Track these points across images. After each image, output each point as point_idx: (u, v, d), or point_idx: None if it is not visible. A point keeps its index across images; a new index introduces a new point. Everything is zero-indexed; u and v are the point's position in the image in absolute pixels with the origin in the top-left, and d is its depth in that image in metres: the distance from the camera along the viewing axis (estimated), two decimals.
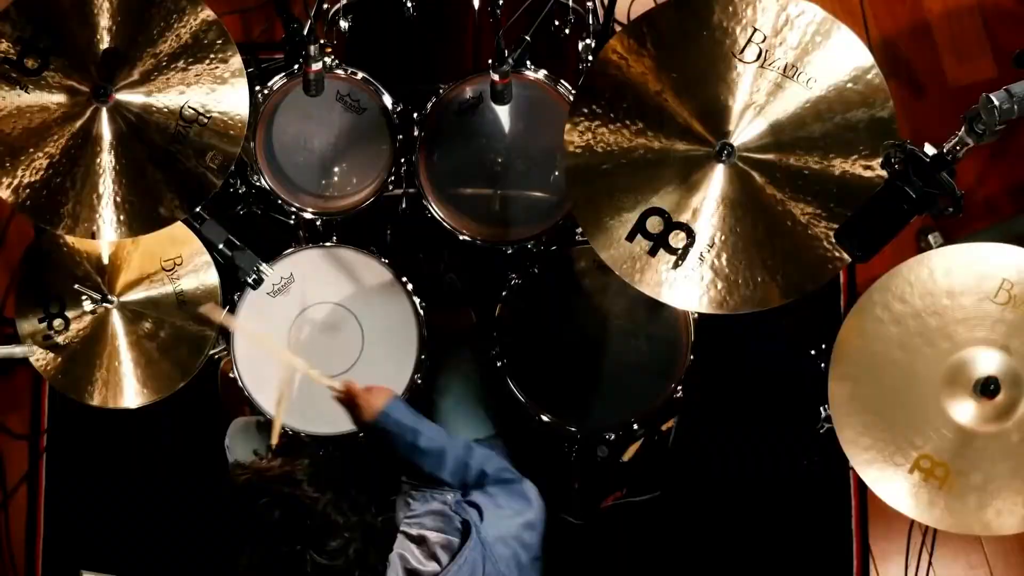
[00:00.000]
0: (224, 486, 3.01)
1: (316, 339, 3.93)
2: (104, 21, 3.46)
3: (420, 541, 3.01)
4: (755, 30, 3.22)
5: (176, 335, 3.86)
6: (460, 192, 4.01)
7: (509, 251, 4.01)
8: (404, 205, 4.21)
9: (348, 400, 3.48)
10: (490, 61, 3.51)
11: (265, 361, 3.89)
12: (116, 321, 3.88)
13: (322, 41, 3.60)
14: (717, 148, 3.22)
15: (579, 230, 3.99)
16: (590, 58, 4.09)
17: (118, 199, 3.45)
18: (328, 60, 3.82)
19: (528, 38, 3.55)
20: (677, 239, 3.23)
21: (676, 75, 3.25)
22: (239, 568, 2.79)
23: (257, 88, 3.90)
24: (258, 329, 3.91)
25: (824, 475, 4.54)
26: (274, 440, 3.61)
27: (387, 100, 3.96)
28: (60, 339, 3.92)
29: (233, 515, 2.85)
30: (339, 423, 3.77)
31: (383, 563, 2.96)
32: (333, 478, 2.95)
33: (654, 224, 3.23)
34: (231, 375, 3.94)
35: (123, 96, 3.45)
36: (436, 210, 3.96)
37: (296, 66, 3.85)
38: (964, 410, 3.23)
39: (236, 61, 3.46)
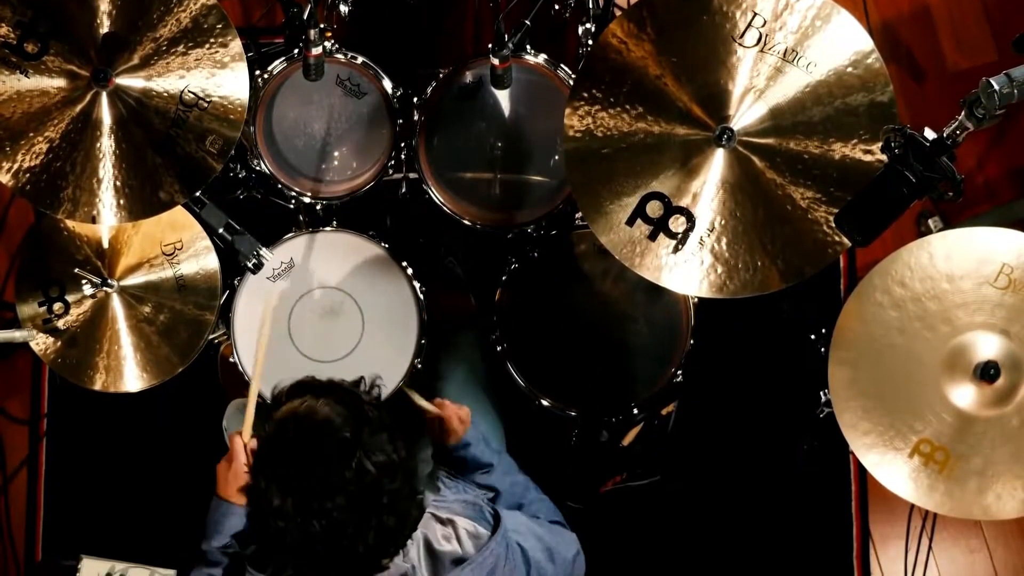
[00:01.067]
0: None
1: (316, 324, 3.93)
2: (104, 5, 3.45)
3: (447, 523, 3.00)
4: (755, 14, 3.22)
5: (176, 319, 3.86)
6: (460, 176, 4.01)
7: (509, 235, 4.01)
8: (404, 190, 4.21)
9: (437, 422, 3.48)
10: (490, 45, 3.50)
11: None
12: (116, 305, 3.89)
13: (322, 25, 3.59)
14: (717, 132, 3.22)
15: (579, 214, 4.00)
16: (590, 42, 4.09)
17: (118, 183, 3.45)
18: (328, 44, 3.81)
19: (528, 22, 3.54)
20: (677, 223, 3.23)
21: (676, 59, 3.25)
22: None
23: (257, 72, 3.90)
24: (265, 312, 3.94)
25: (824, 460, 4.55)
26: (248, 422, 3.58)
27: (387, 84, 3.95)
28: (60, 323, 3.92)
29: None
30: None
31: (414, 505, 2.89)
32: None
33: (654, 208, 3.23)
34: (231, 359, 3.95)
35: (123, 80, 3.44)
36: (436, 194, 3.96)
37: (296, 50, 3.84)
38: (964, 394, 3.23)
39: (236, 45, 3.46)
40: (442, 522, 3.00)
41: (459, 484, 3.23)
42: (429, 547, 2.96)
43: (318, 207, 4.07)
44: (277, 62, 3.92)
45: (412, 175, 4.09)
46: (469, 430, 3.43)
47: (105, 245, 3.89)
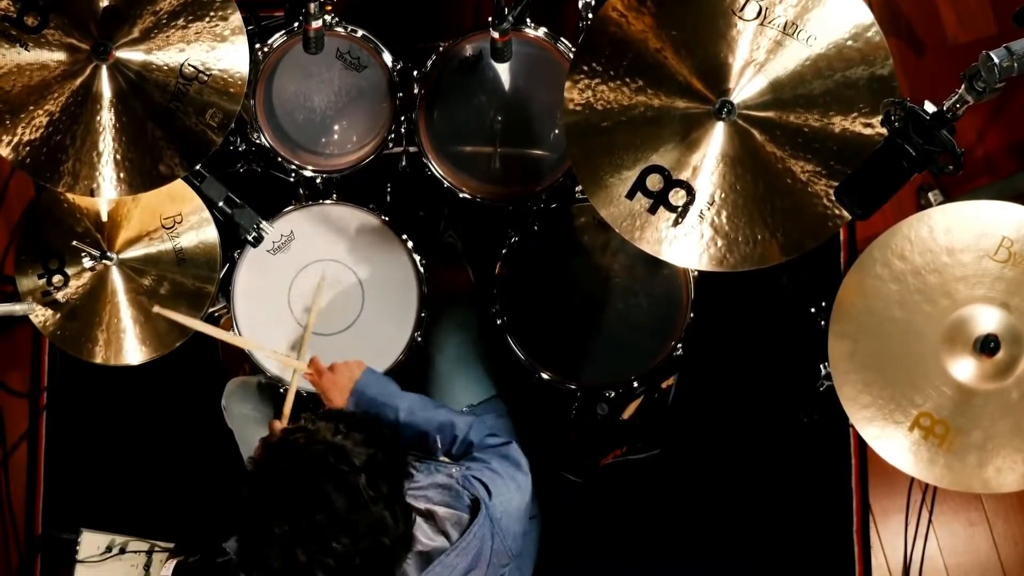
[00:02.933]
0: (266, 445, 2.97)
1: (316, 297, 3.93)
2: None
3: (429, 516, 2.99)
4: None
5: (175, 292, 3.86)
6: (460, 150, 4.01)
7: (509, 208, 4.01)
8: (404, 163, 4.21)
9: (315, 382, 3.49)
10: (490, 19, 3.50)
11: (265, 321, 3.90)
12: (116, 278, 3.89)
13: None
14: (717, 106, 3.21)
15: (579, 188, 3.99)
16: (590, 16, 4.07)
17: (118, 157, 3.44)
18: (328, 18, 3.80)
19: None
20: (677, 197, 3.22)
21: (676, 32, 3.25)
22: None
23: (257, 46, 3.89)
24: (251, 288, 3.95)
25: (824, 433, 4.54)
26: (286, 410, 3.62)
27: (387, 58, 3.95)
28: (60, 296, 3.93)
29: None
30: None
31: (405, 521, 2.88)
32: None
33: (654, 182, 3.23)
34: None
35: (123, 54, 3.44)
36: (436, 168, 3.96)
37: (296, 24, 3.84)
38: (964, 368, 3.23)
39: (236, 19, 3.45)
40: (423, 515, 2.98)
41: (428, 465, 3.20)
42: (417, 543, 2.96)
43: (318, 180, 4.07)
44: (277, 35, 3.92)
45: (412, 148, 4.09)
46: (360, 376, 3.46)
47: (104, 218, 3.90)
